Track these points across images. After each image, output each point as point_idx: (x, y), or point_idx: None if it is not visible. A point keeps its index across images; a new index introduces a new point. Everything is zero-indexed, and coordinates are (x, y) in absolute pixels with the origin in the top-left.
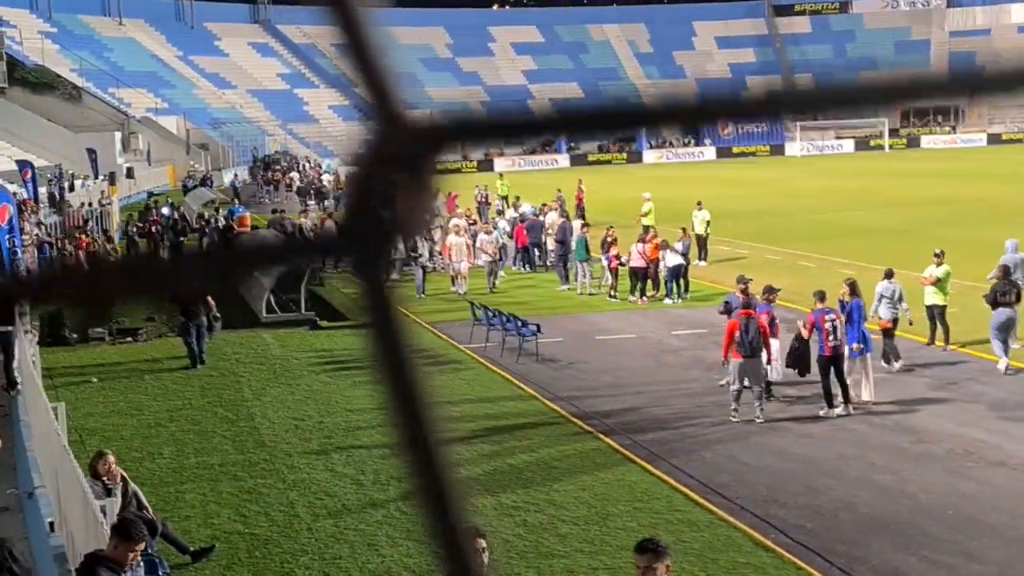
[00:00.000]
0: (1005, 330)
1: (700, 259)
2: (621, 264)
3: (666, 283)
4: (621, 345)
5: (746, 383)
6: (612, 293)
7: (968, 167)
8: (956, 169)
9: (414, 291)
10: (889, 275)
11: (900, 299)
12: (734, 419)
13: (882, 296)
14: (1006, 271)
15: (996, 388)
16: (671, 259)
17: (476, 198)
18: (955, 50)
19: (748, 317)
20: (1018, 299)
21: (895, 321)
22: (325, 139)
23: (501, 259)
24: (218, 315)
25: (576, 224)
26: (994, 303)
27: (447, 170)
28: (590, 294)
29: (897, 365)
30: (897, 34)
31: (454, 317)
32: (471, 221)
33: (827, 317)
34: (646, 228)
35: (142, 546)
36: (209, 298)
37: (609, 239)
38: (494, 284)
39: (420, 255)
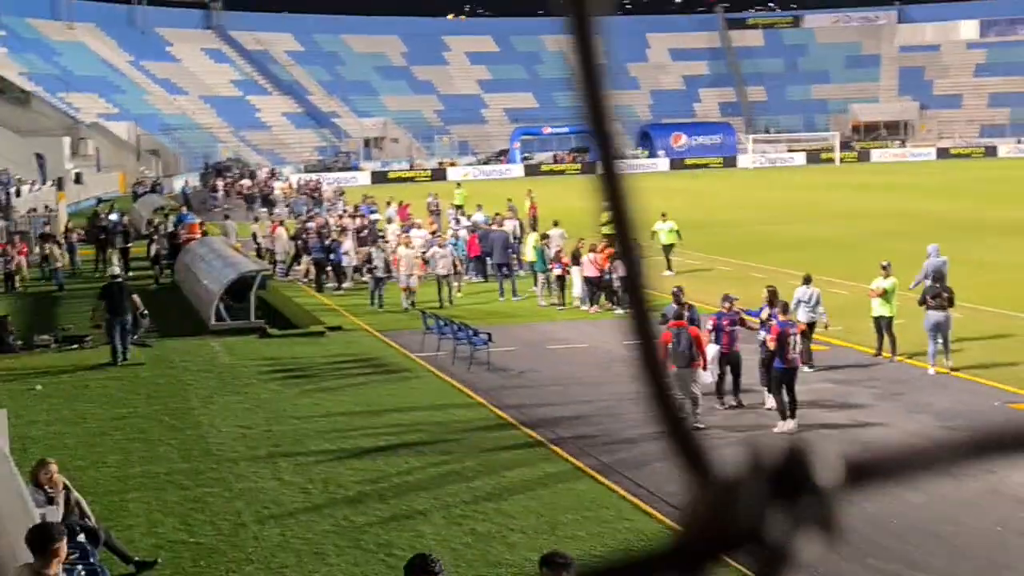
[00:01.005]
0: (936, 331)
1: (668, 269)
2: (566, 272)
3: (620, 293)
4: (572, 354)
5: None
6: (560, 302)
7: (917, 181)
8: (905, 183)
9: (367, 300)
10: (807, 280)
11: (817, 303)
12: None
13: (800, 301)
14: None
15: (942, 398)
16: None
17: (428, 207)
18: (905, 66)
19: (680, 328)
20: (951, 303)
21: (811, 325)
22: (277, 146)
23: (457, 273)
24: (145, 312)
25: (534, 236)
26: (924, 304)
27: (400, 178)
28: (556, 305)
29: (808, 369)
30: (848, 48)
31: (405, 326)
32: (432, 232)
33: (791, 330)
34: (609, 237)
35: (63, 543)
36: (135, 296)
37: (580, 248)
38: (451, 299)
39: (375, 266)
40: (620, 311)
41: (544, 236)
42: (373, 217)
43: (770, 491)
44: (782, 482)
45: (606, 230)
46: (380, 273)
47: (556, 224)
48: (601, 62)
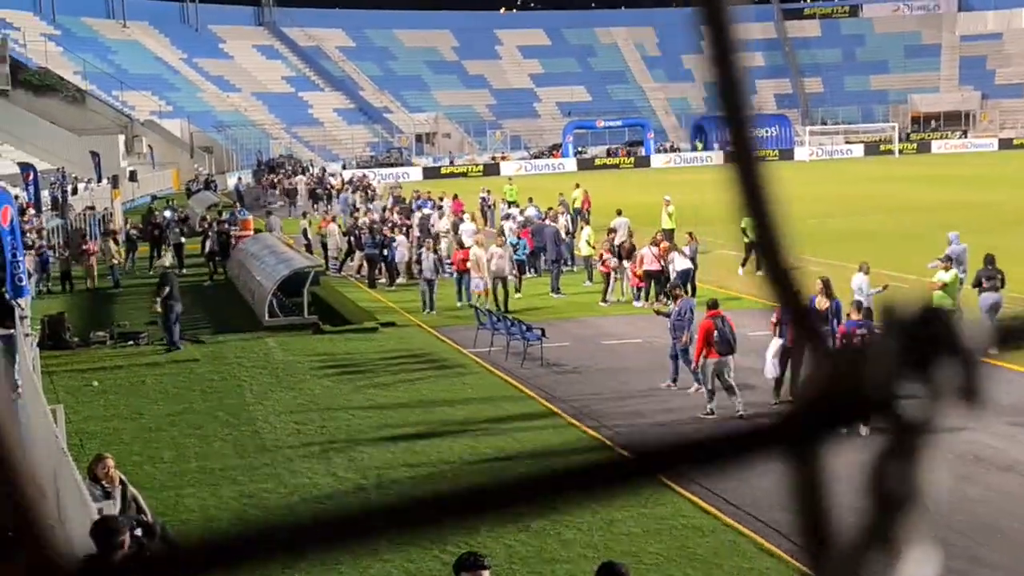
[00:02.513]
0: (992, 312)
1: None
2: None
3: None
4: (626, 350)
5: (717, 382)
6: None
7: (978, 172)
8: (966, 174)
9: (419, 299)
10: (864, 269)
11: (868, 290)
12: (709, 418)
13: (860, 288)
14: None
15: (1005, 393)
16: (680, 263)
17: (481, 203)
18: (966, 55)
19: (720, 316)
20: (1003, 284)
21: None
22: (329, 142)
23: (517, 272)
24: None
25: (587, 231)
26: (979, 287)
27: (452, 174)
28: (607, 301)
29: None
30: (907, 38)
31: (458, 321)
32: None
33: (859, 330)
34: (668, 232)
35: (127, 535)
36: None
37: (627, 245)
38: (506, 304)
39: (423, 268)
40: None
41: (611, 230)
42: (426, 212)
43: (904, 353)
44: (917, 344)
45: (668, 224)
46: (429, 274)
47: (620, 213)
48: (737, 48)
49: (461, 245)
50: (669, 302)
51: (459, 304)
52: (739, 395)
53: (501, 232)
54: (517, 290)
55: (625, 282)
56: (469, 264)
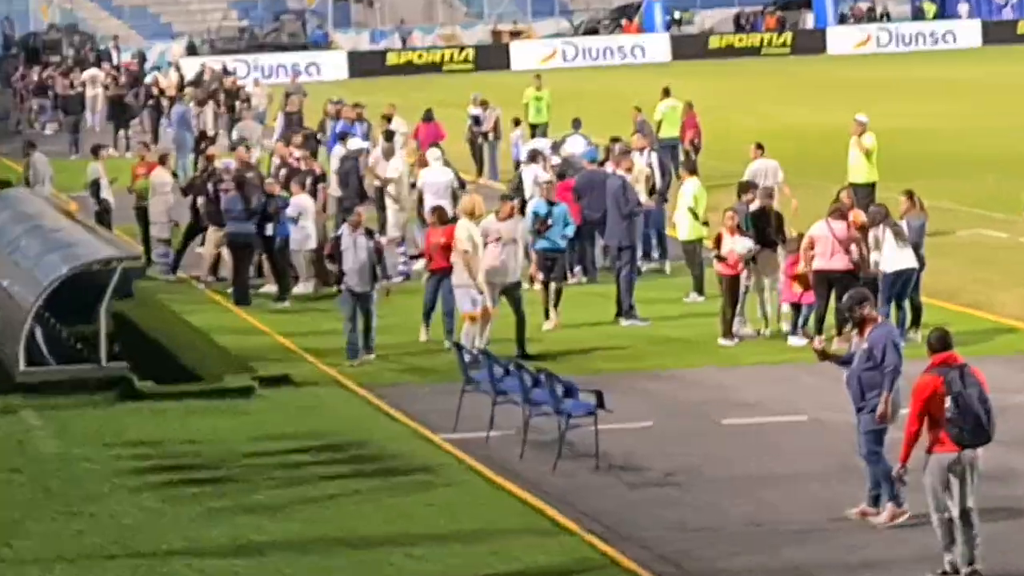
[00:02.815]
0: None
1: None
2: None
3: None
4: (779, 438)
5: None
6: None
7: None
8: None
9: (339, 340)
10: None
11: None
12: None
13: None
14: None
15: None
16: (893, 255)
17: (470, 129)
18: None
19: (959, 368)
20: None
21: None
22: (155, 3)
23: (542, 275)
24: None
25: (693, 184)
26: None
27: (409, 66)
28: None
29: None
30: None
31: (425, 375)
32: (458, 181)
33: None
34: (866, 189)
35: None
36: None
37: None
38: (520, 341)
39: (342, 268)
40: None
41: (746, 187)
42: (354, 147)
43: None
44: None
45: (859, 178)
46: (357, 280)
47: (761, 150)
48: None
49: (442, 219)
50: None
51: (424, 338)
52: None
53: (516, 189)
54: (548, 312)
55: (770, 293)
56: (453, 257)
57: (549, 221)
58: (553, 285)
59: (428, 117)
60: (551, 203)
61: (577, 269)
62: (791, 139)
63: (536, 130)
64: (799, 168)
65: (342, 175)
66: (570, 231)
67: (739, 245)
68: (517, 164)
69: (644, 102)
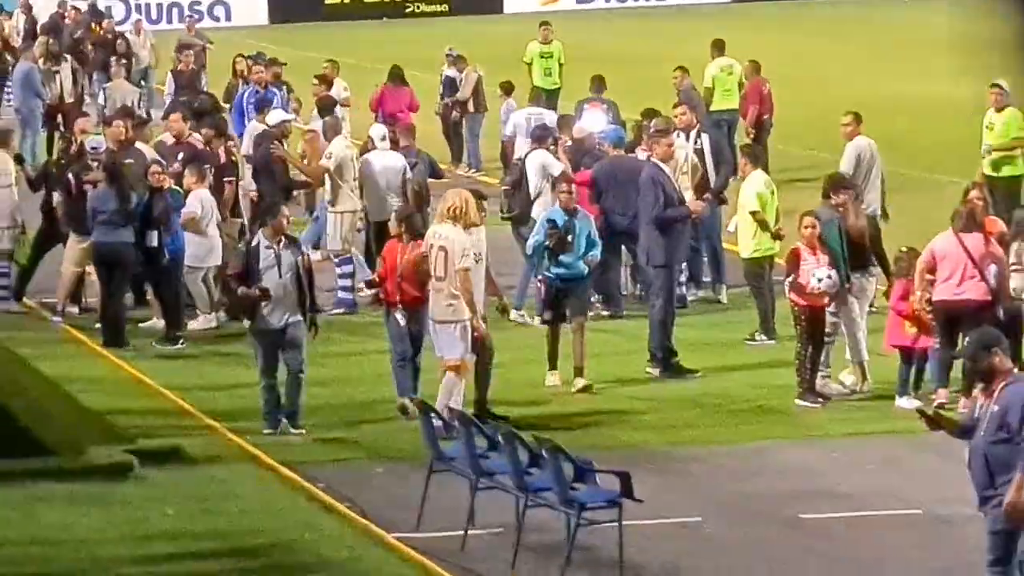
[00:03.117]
0: None
1: None
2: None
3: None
4: (882, 541)
5: None
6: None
7: None
8: None
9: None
10: None
11: None
12: None
13: None
14: None
15: None
16: None
17: (441, 99)
18: None
19: None
20: None
21: None
22: None
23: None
24: None
25: (759, 177)
26: None
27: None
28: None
29: None
30: None
31: (373, 446)
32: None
33: None
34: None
35: None
36: None
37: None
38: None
39: (265, 295)
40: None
41: (838, 183)
42: (277, 119)
43: None
44: None
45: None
46: (280, 316)
47: (857, 123)
48: None
49: (412, 231)
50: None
51: (409, 410)
52: None
53: (516, 185)
54: (554, 362)
55: (861, 335)
56: (432, 286)
57: (569, 237)
58: (573, 323)
59: (397, 77)
60: (570, 211)
61: (596, 298)
62: (891, 114)
63: (544, 100)
64: (905, 155)
65: (259, 162)
66: (596, 253)
67: (819, 273)
68: (504, 149)
69: (691, 61)
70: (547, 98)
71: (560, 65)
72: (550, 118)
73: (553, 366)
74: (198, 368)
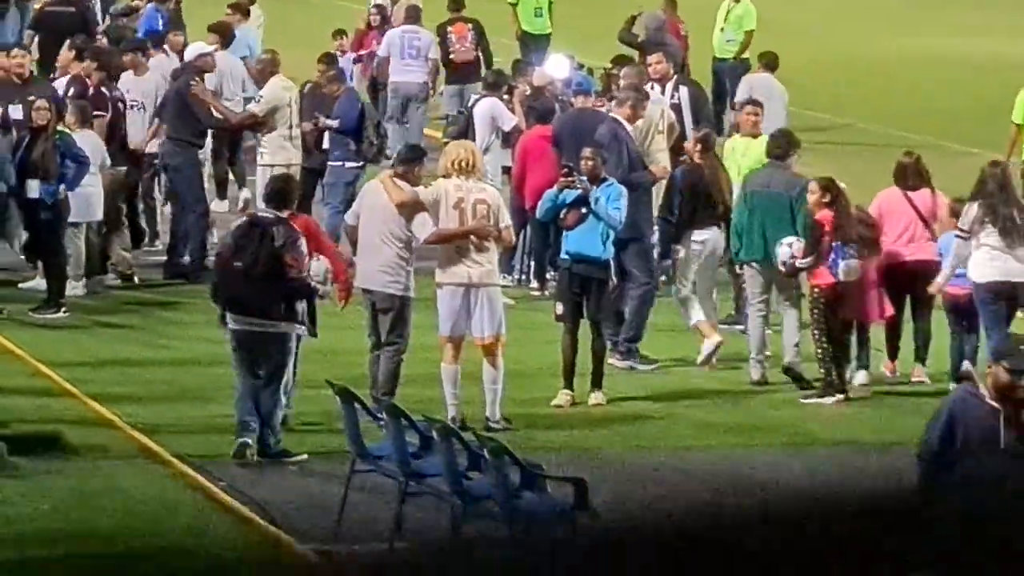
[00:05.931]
0: None
1: None
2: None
3: None
4: None
5: None
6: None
7: None
8: None
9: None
10: None
11: None
12: None
13: None
14: None
15: None
16: None
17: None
18: None
19: None
20: None
21: None
22: None
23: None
24: None
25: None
26: None
27: None
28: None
29: None
30: None
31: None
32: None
33: None
34: None
35: None
36: None
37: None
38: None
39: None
40: None
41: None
42: (194, 55)
43: None
44: None
45: None
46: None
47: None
48: None
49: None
50: None
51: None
52: None
53: (460, 139)
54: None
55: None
56: (476, 245)
57: (584, 210)
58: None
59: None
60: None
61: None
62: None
63: (533, 46)
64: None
65: (173, 102)
66: (618, 212)
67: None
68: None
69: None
70: (538, 46)
71: (550, 4)
72: (426, 37)
73: (569, 384)
74: (81, 342)
